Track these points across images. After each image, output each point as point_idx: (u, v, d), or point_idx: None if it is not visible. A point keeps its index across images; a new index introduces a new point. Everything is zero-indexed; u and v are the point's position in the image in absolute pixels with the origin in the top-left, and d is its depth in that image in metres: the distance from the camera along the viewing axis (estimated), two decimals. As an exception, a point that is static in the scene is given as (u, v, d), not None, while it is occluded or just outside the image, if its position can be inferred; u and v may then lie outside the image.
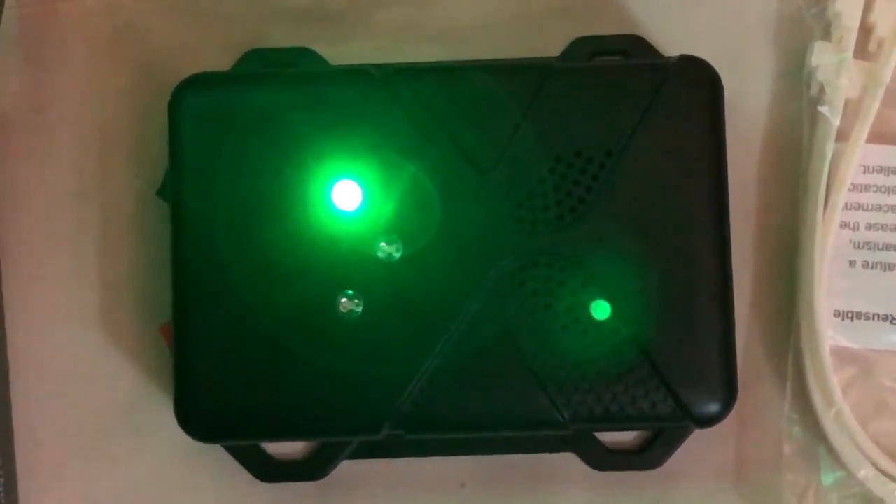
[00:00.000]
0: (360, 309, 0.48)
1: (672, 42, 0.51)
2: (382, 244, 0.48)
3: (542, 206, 0.48)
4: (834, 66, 0.50)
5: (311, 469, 0.51)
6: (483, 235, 0.48)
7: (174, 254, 0.49)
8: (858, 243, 0.51)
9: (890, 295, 0.50)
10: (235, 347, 0.48)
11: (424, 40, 0.53)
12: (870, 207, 0.51)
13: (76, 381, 0.52)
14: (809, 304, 0.49)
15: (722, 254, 0.48)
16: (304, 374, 0.48)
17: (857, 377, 0.50)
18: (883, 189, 0.51)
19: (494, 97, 0.48)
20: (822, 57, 0.50)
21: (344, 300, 0.48)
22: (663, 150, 0.48)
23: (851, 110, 0.50)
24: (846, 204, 0.50)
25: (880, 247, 0.50)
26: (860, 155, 0.50)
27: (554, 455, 0.51)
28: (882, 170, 0.51)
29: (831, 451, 0.50)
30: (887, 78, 0.50)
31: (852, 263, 0.50)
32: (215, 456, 0.51)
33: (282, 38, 0.52)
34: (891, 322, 0.50)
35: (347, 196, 0.48)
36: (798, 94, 0.52)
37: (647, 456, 0.50)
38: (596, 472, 0.50)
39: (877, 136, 0.50)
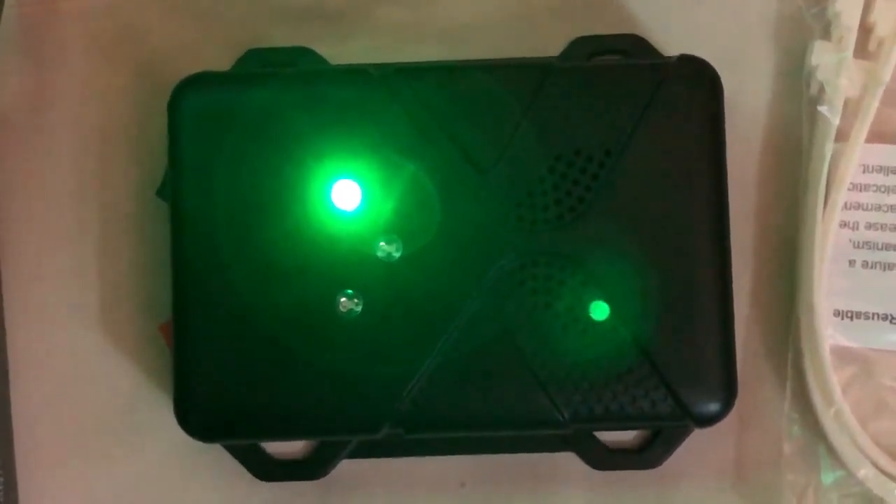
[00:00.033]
0: (359, 308, 0.48)
1: (672, 42, 0.51)
2: (382, 244, 0.48)
3: (541, 206, 0.48)
4: (834, 65, 0.50)
5: (310, 468, 0.51)
6: (483, 235, 0.48)
7: (174, 253, 0.49)
8: (858, 243, 0.50)
9: (890, 294, 0.50)
10: (235, 347, 0.48)
11: (424, 40, 0.53)
12: (869, 207, 0.51)
13: (76, 380, 0.52)
14: (809, 303, 0.49)
15: (722, 253, 0.48)
16: (304, 374, 0.48)
17: (857, 376, 0.50)
18: (882, 188, 0.51)
19: (494, 97, 0.49)
20: (821, 56, 0.50)
21: (343, 300, 0.48)
22: (663, 149, 0.48)
23: (851, 110, 0.50)
24: (846, 203, 0.50)
25: (880, 246, 0.50)
26: (860, 154, 0.50)
27: (554, 454, 0.51)
28: (882, 169, 0.51)
29: (831, 451, 0.50)
30: (887, 77, 0.50)
31: (852, 263, 0.50)
32: (215, 455, 0.51)
33: (281, 37, 0.52)
34: (890, 321, 0.50)
35: (347, 195, 0.48)
36: (798, 93, 0.52)
37: (647, 455, 0.50)
38: (596, 471, 0.50)
39: (876, 136, 0.50)
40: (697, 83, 0.49)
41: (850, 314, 0.50)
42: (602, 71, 0.49)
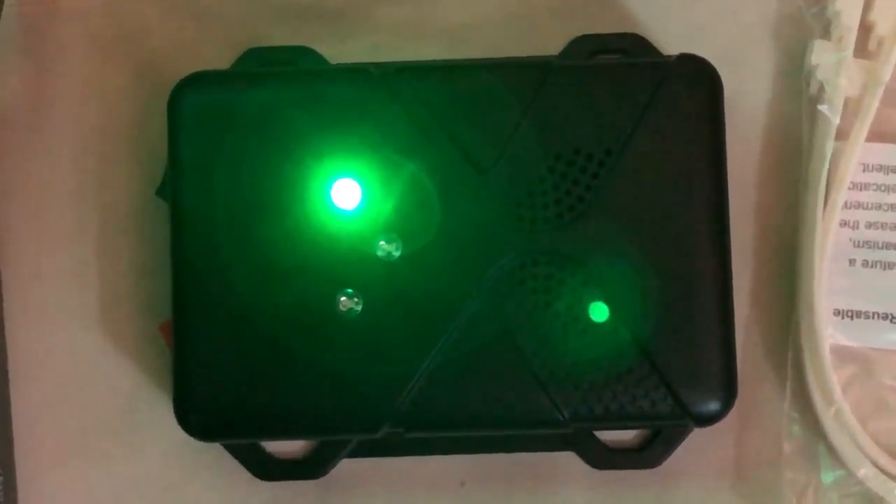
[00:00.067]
0: (359, 308, 0.48)
1: (672, 41, 0.51)
2: (382, 243, 0.48)
3: (541, 205, 0.48)
4: (834, 64, 0.50)
5: (310, 468, 0.51)
6: (483, 234, 0.48)
7: (174, 253, 0.49)
8: (858, 242, 0.50)
9: (890, 293, 0.50)
10: (235, 346, 0.48)
11: (424, 39, 0.53)
12: (870, 206, 0.51)
13: (76, 380, 0.52)
14: (809, 302, 0.49)
15: (722, 252, 0.48)
16: (304, 373, 0.48)
17: (857, 376, 0.50)
18: (883, 188, 0.51)
19: (494, 96, 0.48)
20: (821, 56, 0.50)
21: (343, 299, 0.48)
22: (663, 148, 0.48)
23: (851, 109, 0.50)
24: (846, 202, 0.50)
25: (880, 245, 0.50)
26: (860, 153, 0.50)
27: (554, 454, 0.51)
28: (882, 168, 0.51)
29: (831, 450, 0.50)
30: (887, 77, 0.50)
31: (852, 262, 0.50)
32: (215, 455, 0.51)
33: (281, 36, 0.52)
34: (891, 321, 0.50)
35: (347, 195, 0.48)
36: (798, 92, 0.52)
37: (647, 455, 0.50)
38: (596, 470, 0.50)
39: (876, 135, 0.50)
40: (697, 82, 0.49)
41: (850, 313, 0.50)
42: (602, 70, 0.49)
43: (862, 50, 0.51)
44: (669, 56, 0.49)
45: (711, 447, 0.51)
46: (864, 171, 0.51)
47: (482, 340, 0.48)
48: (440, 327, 0.48)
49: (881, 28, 0.50)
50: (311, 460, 0.51)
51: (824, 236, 0.50)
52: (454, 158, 0.48)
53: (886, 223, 0.50)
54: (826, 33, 0.51)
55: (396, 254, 0.48)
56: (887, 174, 0.51)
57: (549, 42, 0.51)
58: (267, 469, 0.51)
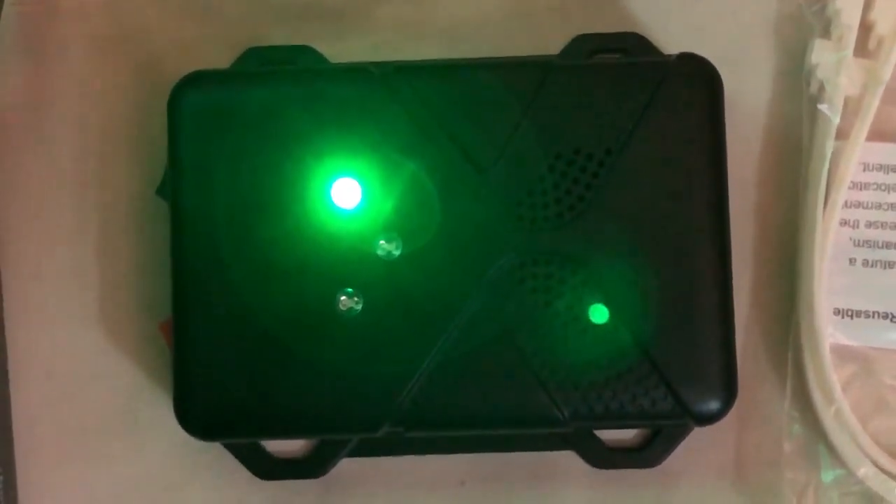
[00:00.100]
0: (359, 307, 0.48)
1: (672, 40, 0.51)
2: (382, 242, 0.48)
3: (541, 204, 0.48)
4: (834, 64, 0.50)
5: (310, 467, 0.51)
6: (483, 233, 0.48)
7: (173, 252, 0.49)
8: (858, 241, 0.50)
9: (890, 293, 0.50)
10: (235, 345, 0.48)
11: (424, 38, 0.53)
12: (870, 205, 0.51)
13: (76, 380, 0.52)
14: (809, 301, 0.49)
15: (722, 251, 0.48)
16: (304, 372, 0.48)
17: (857, 375, 0.50)
18: (883, 187, 0.51)
19: (494, 95, 0.48)
20: (821, 55, 0.50)
21: (343, 298, 0.48)
22: (663, 147, 0.48)
23: (851, 108, 0.50)
24: (846, 202, 0.50)
25: (880, 245, 0.50)
26: (860, 153, 0.50)
27: (554, 453, 0.51)
28: (882, 168, 0.51)
29: (831, 449, 0.50)
30: (887, 76, 0.50)
31: (852, 261, 0.50)
32: (215, 454, 0.51)
33: (281, 35, 0.52)
34: (891, 320, 0.50)
35: (347, 194, 0.48)
36: (798, 92, 0.52)
37: (647, 454, 0.50)
38: (596, 469, 0.50)
39: (877, 134, 0.50)
40: (698, 81, 0.49)
41: (850, 312, 0.50)
42: (602, 69, 0.49)
43: (862, 49, 0.51)
44: (670, 55, 0.49)
45: (711, 446, 0.51)
46: (864, 170, 0.51)
47: (482, 340, 0.48)
48: (440, 326, 0.48)
49: (881, 27, 0.50)
50: (312, 460, 0.51)
51: (824, 235, 0.49)
52: (454, 158, 0.48)
53: (886, 222, 0.50)
54: (826, 32, 0.51)
55: (396, 253, 0.48)
56: (887, 173, 0.51)
57: (549, 41, 0.51)
58: (267, 468, 0.51)
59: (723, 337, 0.48)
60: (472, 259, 0.48)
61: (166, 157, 0.49)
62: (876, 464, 0.49)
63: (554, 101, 0.48)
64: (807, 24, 0.51)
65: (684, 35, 0.52)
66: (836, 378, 0.49)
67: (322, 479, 0.51)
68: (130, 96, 0.53)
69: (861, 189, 0.51)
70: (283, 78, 0.49)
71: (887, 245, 0.50)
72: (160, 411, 0.51)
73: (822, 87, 0.50)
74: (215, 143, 0.49)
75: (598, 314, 0.48)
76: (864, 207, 0.51)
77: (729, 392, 0.48)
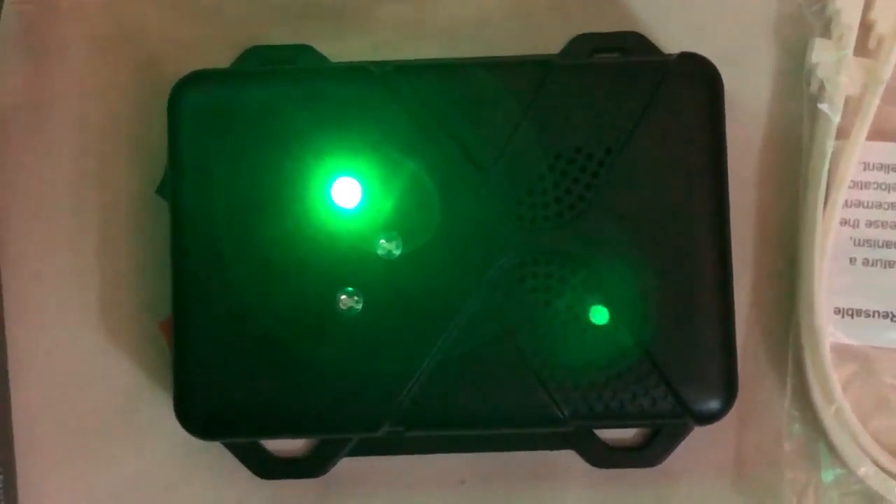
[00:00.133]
0: (359, 306, 0.48)
1: (672, 39, 0.51)
2: (382, 241, 0.48)
3: (542, 204, 0.48)
4: (834, 63, 0.50)
5: (310, 466, 0.51)
6: (483, 233, 0.48)
7: (174, 251, 0.49)
8: (859, 240, 0.50)
9: (890, 292, 0.50)
10: (235, 345, 0.48)
11: (424, 37, 0.53)
12: (870, 205, 0.51)
13: (76, 379, 0.52)
14: (810, 301, 0.49)
15: (722, 251, 0.48)
16: (304, 372, 0.48)
17: (858, 374, 0.50)
18: (883, 186, 0.51)
19: (494, 94, 0.48)
20: (822, 54, 0.50)
21: (344, 297, 0.48)
22: (663, 147, 0.48)
23: (852, 108, 0.50)
24: (846, 201, 0.50)
25: (880, 244, 0.50)
26: (860, 152, 0.50)
27: (554, 452, 0.51)
28: (882, 167, 0.51)
29: (831, 449, 0.50)
30: (887, 75, 0.50)
31: (852, 260, 0.50)
32: (215, 453, 0.51)
33: (281, 35, 0.52)
34: (891, 319, 0.50)
35: (347, 193, 0.48)
36: (798, 91, 0.52)
37: (647, 453, 0.50)
38: (596, 469, 0.50)
39: (877, 134, 0.50)
40: (698, 81, 0.49)
41: (850, 312, 0.50)
42: (602, 68, 0.49)
43: (862, 48, 0.51)
44: (670, 55, 0.49)
45: (712, 446, 0.51)
46: (864, 169, 0.51)
47: (482, 339, 0.48)
48: (440, 326, 0.48)
49: (881, 26, 0.50)
50: (312, 459, 0.51)
51: (825, 235, 0.50)
52: (454, 157, 0.48)
53: (887, 222, 0.51)
54: (826, 32, 0.51)
55: (397, 252, 0.48)
56: (888, 173, 0.51)
57: (549, 41, 0.51)
58: (267, 468, 0.51)
59: (723, 336, 0.48)
60: (473, 258, 0.48)
61: (166, 157, 0.49)
62: (876, 463, 0.49)
63: (554, 100, 0.48)
64: (807, 23, 0.51)
65: (684, 34, 0.51)
66: (836, 377, 0.49)
67: (322, 478, 0.51)
68: (130, 96, 0.53)
69: (861, 188, 0.51)
70: (283, 77, 0.49)
71: (887, 244, 0.50)
72: (160, 411, 0.51)
73: (822, 87, 0.50)
74: (215, 142, 0.49)
75: (599, 315, 0.48)
76: (864, 207, 0.51)
77: (729, 391, 0.48)
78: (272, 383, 0.48)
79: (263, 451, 0.51)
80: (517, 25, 0.52)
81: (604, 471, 0.50)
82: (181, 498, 0.52)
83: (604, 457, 0.50)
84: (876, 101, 0.50)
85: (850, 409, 0.49)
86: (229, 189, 0.48)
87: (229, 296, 0.48)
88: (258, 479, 0.51)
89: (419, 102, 0.48)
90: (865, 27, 0.51)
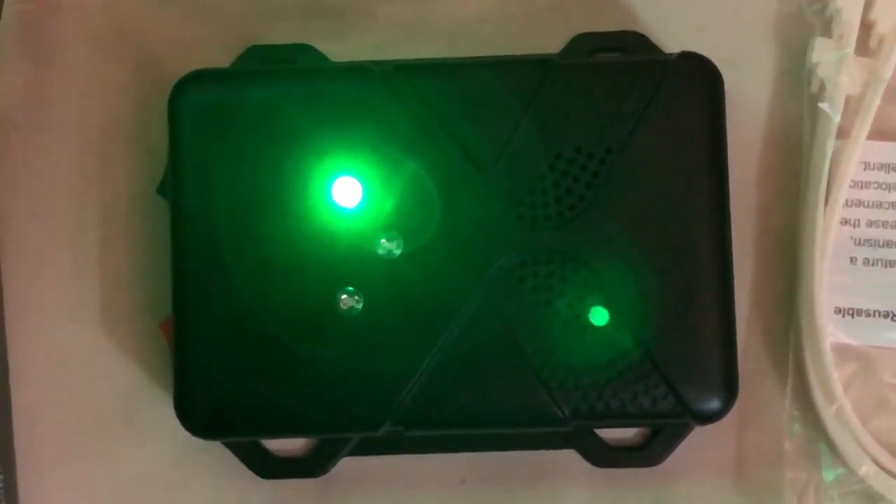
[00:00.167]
0: (360, 306, 0.48)
1: (673, 39, 0.51)
2: (383, 241, 0.48)
3: (542, 203, 0.48)
4: (834, 62, 0.50)
5: (311, 466, 0.51)
6: (483, 232, 0.48)
7: (174, 250, 0.49)
8: (859, 240, 0.50)
9: (891, 291, 0.50)
10: (235, 344, 0.48)
11: (424, 37, 0.53)
12: (870, 204, 0.51)
13: (76, 379, 0.52)
14: (810, 300, 0.49)
15: (722, 250, 0.48)
16: (305, 371, 0.48)
17: (858, 374, 0.50)
18: (884, 186, 0.51)
19: (494, 94, 0.48)
20: (822, 54, 0.50)
21: (344, 297, 0.48)
22: (664, 146, 0.48)
23: (852, 107, 0.50)
24: (847, 201, 0.50)
25: (881, 243, 0.50)
26: (861, 152, 0.50)
27: (554, 451, 0.50)
28: (883, 167, 0.51)
29: (832, 448, 0.50)
30: (888, 75, 0.50)
31: (853, 260, 0.50)
32: (215, 453, 0.51)
33: (282, 34, 0.52)
34: (892, 319, 0.50)
35: (348, 193, 0.48)
36: (799, 90, 0.52)
37: (647, 453, 0.50)
38: (596, 468, 0.50)
39: (877, 133, 0.50)
40: (698, 80, 0.49)
41: (850, 311, 0.50)
42: (603, 68, 0.49)
43: (863, 48, 0.51)
44: (670, 54, 0.49)
45: (712, 445, 0.51)
46: (864, 169, 0.51)
47: (483, 338, 0.48)
48: (441, 325, 0.48)
49: (882, 26, 0.50)
50: (312, 458, 0.51)
51: (825, 234, 0.50)
52: (455, 156, 0.48)
53: (887, 221, 0.51)
54: (827, 31, 0.51)
55: (397, 252, 0.48)
56: (888, 172, 0.51)
57: (549, 40, 0.51)
58: (268, 467, 0.51)
59: (723, 336, 0.48)
60: (473, 258, 0.48)
61: (166, 157, 0.49)
62: (877, 462, 0.49)
63: (554, 99, 0.48)
64: (807, 22, 0.51)
65: (685, 34, 0.51)
66: (836, 377, 0.49)
67: (322, 478, 0.51)
68: (131, 95, 0.53)
69: (862, 188, 0.51)
70: (283, 77, 0.50)
71: (888, 244, 0.50)
72: (160, 410, 0.51)
73: (822, 86, 0.50)
74: (216, 141, 0.49)
75: (599, 317, 0.48)
76: (864, 206, 0.51)
77: (730, 391, 0.48)
78: (272, 383, 0.48)
79: (264, 450, 0.51)
80: (517, 25, 0.52)
81: (604, 470, 0.50)
82: (181, 498, 0.52)
83: (604, 456, 0.50)
84: (876, 101, 0.50)
85: (850, 408, 0.49)
86: (230, 188, 0.48)
87: (230, 295, 0.48)
88: (258, 479, 0.51)
89: (419, 102, 0.48)
90: (866, 26, 0.50)
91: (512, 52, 0.51)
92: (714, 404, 0.48)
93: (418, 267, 0.48)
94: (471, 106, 0.49)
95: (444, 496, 0.51)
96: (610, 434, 0.51)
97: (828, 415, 0.49)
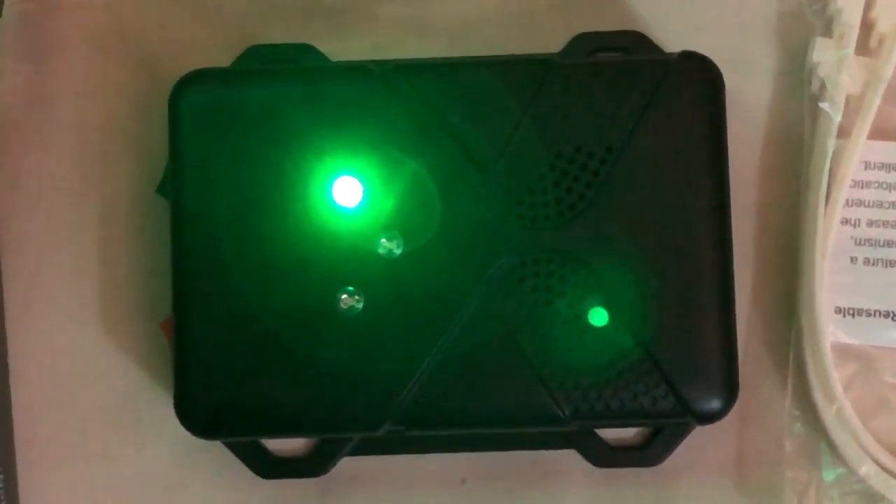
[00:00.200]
0: (360, 305, 0.48)
1: (673, 38, 0.51)
2: (383, 240, 0.48)
3: (542, 203, 0.48)
4: (835, 62, 0.50)
5: (311, 466, 0.51)
6: (484, 232, 0.48)
7: (174, 250, 0.49)
8: (859, 240, 0.50)
9: (891, 291, 0.50)
10: (236, 344, 0.48)
11: (425, 36, 0.53)
12: (871, 204, 0.51)
13: (76, 378, 0.52)
14: (810, 300, 0.49)
15: (723, 250, 0.48)
16: (305, 371, 0.48)
17: (859, 374, 0.50)
18: (884, 185, 0.51)
19: (495, 93, 0.48)
20: (823, 53, 0.50)
21: (344, 297, 0.48)
22: (664, 146, 0.48)
23: (853, 107, 0.50)
24: (847, 200, 0.50)
25: (881, 243, 0.50)
26: (861, 151, 0.50)
27: (555, 451, 0.50)
28: (883, 166, 0.51)
29: (832, 448, 0.50)
30: (888, 74, 0.50)
31: (853, 260, 0.50)
32: (216, 453, 0.51)
33: (282, 34, 0.52)
34: (892, 318, 0.50)
35: (348, 192, 0.48)
36: (799, 90, 0.52)
37: (648, 452, 0.50)
38: (597, 468, 0.50)
39: (878, 133, 0.50)
40: (699, 79, 0.49)
41: (851, 311, 0.50)
42: (603, 67, 0.49)
43: (863, 47, 0.51)
44: (671, 54, 0.49)
45: (713, 445, 0.51)
46: (865, 168, 0.51)
47: (483, 338, 0.48)
48: (441, 325, 0.48)
49: (882, 25, 0.50)
50: (312, 458, 0.51)
51: (825, 234, 0.49)
52: (455, 156, 0.48)
53: (888, 221, 0.50)
54: (827, 31, 0.51)
55: (398, 251, 0.48)
56: (889, 172, 0.51)
57: (549, 40, 0.51)
58: (268, 467, 0.51)
59: (724, 335, 0.48)
60: (473, 258, 0.48)
61: (166, 156, 0.49)
62: (877, 462, 0.49)
63: (555, 99, 0.48)
64: (808, 22, 0.51)
65: (685, 33, 0.51)
66: (837, 377, 0.49)
67: (323, 477, 0.51)
68: (131, 95, 0.53)
69: (862, 187, 0.51)
70: (283, 76, 0.50)
71: (888, 243, 0.50)
72: (160, 410, 0.51)
73: (823, 86, 0.50)
74: (216, 141, 0.49)
75: (599, 317, 0.48)
76: (865, 206, 0.51)
77: (730, 391, 0.48)
78: (273, 382, 0.48)
79: (264, 450, 0.51)
80: (517, 24, 0.52)
81: (605, 470, 0.50)
82: (181, 497, 0.52)
83: (605, 456, 0.50)
84: (877, 101, 0.50)
85: (850, 408, 0.49)
86: (230, 188, 0.48)
87: (230, 295, 0.48)
88: (259, 479, 0.51)
89: (419, 101, 0.48)
90: (866, 26, 0.50)
91: (512, 52, 0.50)
92: (714, 404, 0.48)
93: (418, 267, 0.48)
94: (471, 106, 0.49)
95: (445, 496, 0.51)
96: (610, 434, 0.51)
97: (828, 415, 0.49)
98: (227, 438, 0.50)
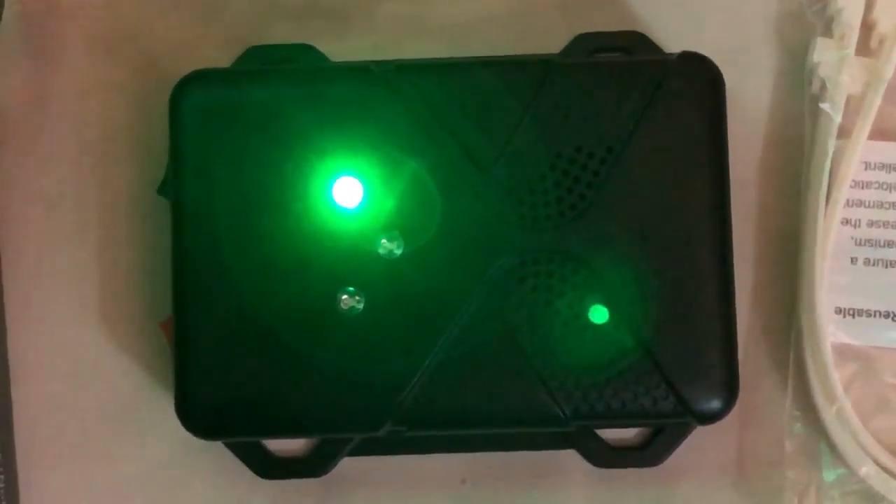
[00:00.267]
0: (361, 306, 0.48)
1: (673, 38, 0.51)
2: (384, 241, 0.48)
3: (542, 203, 0.48)
4: (835, 62, 0.50)
5: (312, 466, 0.50)
6: (484, 232, 0.48)
7: (175, 250, 0.49)
8: (860, 240, 0.50)
9: (891, 292, 0.50)
10: (236, 344, 0.48)
11: (425, 36, 0.53)
12: (871, 204, 0.51)
13: (76, 379, 0.52)
14: (811, 300, 0.49)
15: (723, 250, 0.48)
16: (306, 371, 0.48)
17: (859, 374, 0.50)
18: (884, 186, 0.51)
19: (495, 93, 0.48)
20: (823, 54, 0.50)
21: (345, 297, 0.48)
22: (664, 146, 0.48)
23: (853, 107, 0.50)
24: (848, 201, 0.50)
25: (882, 244, 0.50)
26: (862, 152, 0.50)
27: (555, 451, 0.50)
28: (884, 167, 0.51)
29: (833, 448, 0.50)
30: (889, 75, 0.50)
31: (854, 260, 0.50)
32: (216, 453, 0.51)
33: (282, 34, 0.52)
34: (892, 319, 0.50)
35: (348, 192, 0.48)
36: (799, 90, 0.52)
37: (648, 453, 0.50)
38: (597, 468, 0.50)
39: (878, 133, 0.50)
40: (699, 80, 0.49)
41: (851, 311, 0.50)
42: (603, 68, 0.49)
43: (864, 48, 0.51)
44: (671, 54, 0.49)
45: (713, 445, 0.51)
46: (865, 169, 0.51)
47: (483, 338, 0.48)
48: (441, 325, 0.48)
49: (883, 26, 0.50)
50: (313, 458, 0.51)
51: (826, 234, 0.50)
52: (455, 156, 0.48)
53: (888, 221, 0.51)
54: (828, 31, 0.51)
55: (398, 252, 0.48)
56: (889, 172, 0.51)
57: (550, 40, 0.51)
58: (268, 467, 0.51)
59: (724, 336, 0.48)
60: (474, 258, 0.48)
61: (167, 157, 0.49)
62: (877, 462, 0.49)
63: (555, 99, 0.48)
64: (808, 22, 0.51)
65: (686, 33, 0.52)
66: (837, 377, 0.49)
67: (323, 478, 0.51)
68: (131, 95, 0.53)
69: (862, 188, 0.51)
70: (284, 77, 0.49)
71: (889, 244, 0.50)
72: (161, 410, 0.51)
73: (823, 86, 0.50)
74: (217, 141, 0.49)
75: (598, 315, 0.48)
76: (865, 206, 0.51)
77: (730, 391, 0.48)
78: (273, 383, 0.48)
79: (265, 450, 0.51)
80: (518, 24, 0.52)
81: (605, 470, 0.50)
82: (182, 498, 0.52)
83: (605, 456, 0.50)
84: (877, 101, 0.50)
85: (851, 408, 0.49)
86: (230, 188, 0.48)
87: (230, 295, 0.48)
88: (259, 479, 0.51)
89: (420, 102, 0.48)
90: (867, 26, 0.51)
91: (512, 52, 0.51)
92: (715, 404, 0.48)
93: (419, 267, 0.48)
94: (471, 106, 0.49)
95: (445, 496, 0.51)
96: (610, 434, 0.51)
97: (828, 415, 0.49)
98: (228, 439, 0.50)
